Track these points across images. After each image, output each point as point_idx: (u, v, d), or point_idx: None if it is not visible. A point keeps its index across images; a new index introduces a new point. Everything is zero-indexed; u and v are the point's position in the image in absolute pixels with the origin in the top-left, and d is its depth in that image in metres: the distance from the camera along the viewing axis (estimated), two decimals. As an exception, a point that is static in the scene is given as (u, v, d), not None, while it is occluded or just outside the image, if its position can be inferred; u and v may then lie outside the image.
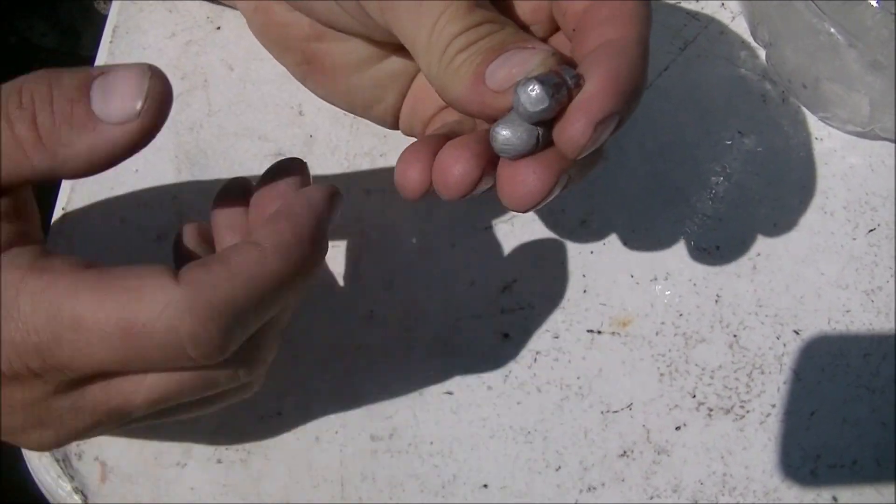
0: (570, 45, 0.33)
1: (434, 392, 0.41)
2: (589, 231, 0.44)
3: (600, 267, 0.44)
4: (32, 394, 0.29)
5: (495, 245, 0.43)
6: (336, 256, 0.43)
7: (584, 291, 0.43)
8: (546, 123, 0.30)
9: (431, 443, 0.40)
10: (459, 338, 0.42)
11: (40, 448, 0.31)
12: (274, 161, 0.36)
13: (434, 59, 0.31)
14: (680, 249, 0.44)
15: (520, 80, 0.29)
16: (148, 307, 0.27)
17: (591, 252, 0.44)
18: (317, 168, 0.44)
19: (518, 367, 0.42)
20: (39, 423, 0.30)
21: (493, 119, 0.31)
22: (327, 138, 0.45)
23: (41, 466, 0.39)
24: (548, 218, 0.44)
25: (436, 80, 0.32)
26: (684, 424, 0.41)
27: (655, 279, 0.43)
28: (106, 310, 0.27)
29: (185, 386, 0.30)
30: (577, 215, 0.44)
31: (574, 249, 0.44)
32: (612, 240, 0.44)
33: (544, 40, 0.36)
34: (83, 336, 0.27)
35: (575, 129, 0.29)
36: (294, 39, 0.38)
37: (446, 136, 0.33)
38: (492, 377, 0.42)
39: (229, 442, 0.40)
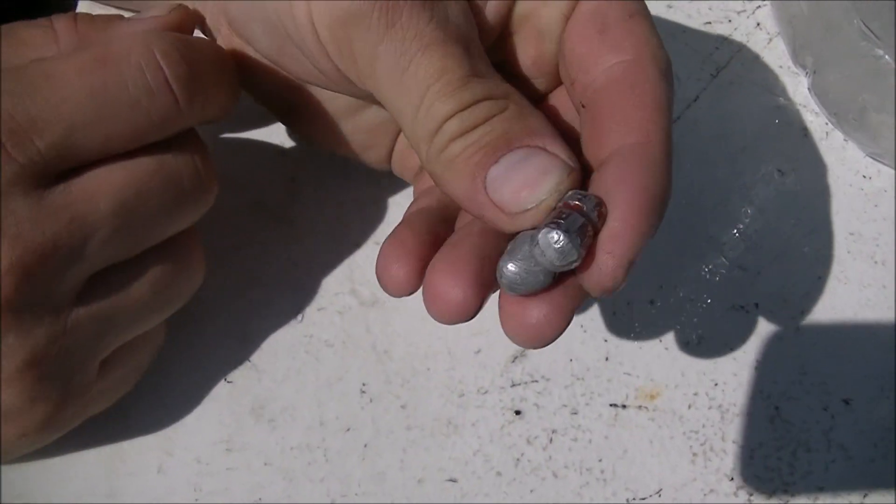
0: (578, 115, 0.32)
1: (435, 480, 0.40)
2: (610, 288, 0.43)
3: (624, 330, 0.42)
4: None
5: (504, 307, 0.42)
6: (322, 321, 0.41)
7: (606, 359, 0.42)
8: None
9: (435, 542, 0.39)
10: (464, 416, 0.41)
11: None
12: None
13: (422, 139, 0.30)
14: (714, 308, 0.43)
15: (535, 230, 0.28)
16: (118, 40, 0.31)
17: (614, 313, 0.42)
18: (300, 215, 0.42)
19: (531, 450, 0.41)
20: None
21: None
22: (312, 182, 0.43)
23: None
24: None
25: (426, 165, 0.31)
26: (722, 513, 0.40)
27: (687, 344, 0.42)
28: (78, 56, 0.30)
29: (147, 183, 0.32)
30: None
31: (594, 310, 0.43)
32: (637, 298, 0.43)
33: (545, 95, 0.36)
34: (56, 86, 0.29)
35: (605, 274, 0.28)
36: (274, 87, 0.37)
37: (434, 230, 0.33)
38: (501, 461, 0.40)
39: (200, 545, 0.38)
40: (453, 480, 0.40)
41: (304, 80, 0.35)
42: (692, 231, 0.44)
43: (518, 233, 0.30)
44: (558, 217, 0.28)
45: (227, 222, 0.42)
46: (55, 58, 0.31)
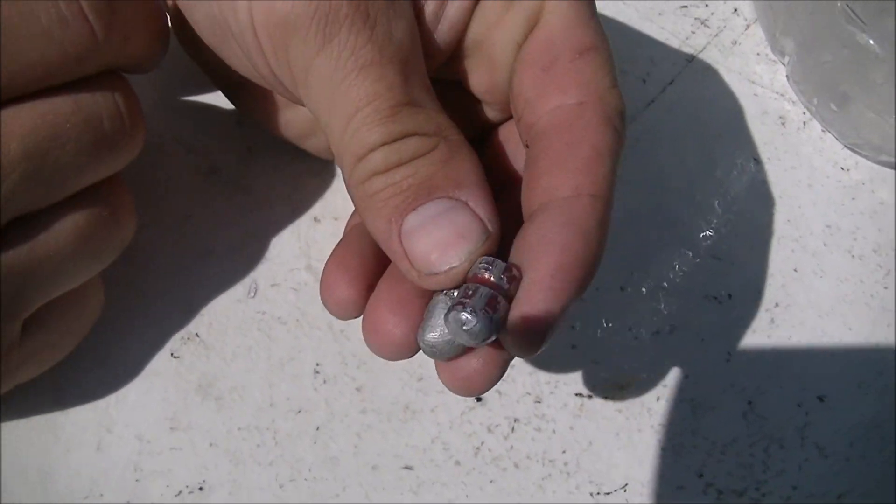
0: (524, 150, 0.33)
1: (390, 467, 0.40)
2: (579, 273, 0.44)
3: (592, 318, 0.43)
4: None
5: (468, 288, 0.43)
6: (276, 297, 0.42)
7: (573, 347, 0.42)
8: None
9: (389, 530, 0.39)
10: (423, 401, 0.41)
11: None
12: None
13: (346, 162, 0.31)
14: (686, 298, 0.44)
15: (449, 307, 0.29)
16: None
17: (582, 299, 0.43)
18: (256, 184, 0.43)
19: (492, 439, 0.41)
20: None
21: None
22: (269, 151, 0.44)
23: None
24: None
25: (348, 189, 0.31)
26: (690, 510, 0.41)
27: (658, 333, 0.43)
28: None
29: (63, 124, 0.31)
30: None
31: (561, 295, 0.43)
32: (606, 285, 0.43)
33: (498, 125, 0.37)
34: None
35: (524, 342, 0.28)
36: (217, 63, 0.37)
37: (376, 248, 0.33)
38: (461, 449, 0.41)
39: (138, 526, 0.38)
40: (409, 468, 0.40)
41: (242, 73, 0.35)
42: (664, 217, 0.45)
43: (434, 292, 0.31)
44: (465, 295, 0.28)
45: (180, 188, 0.42)
46: None
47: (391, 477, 0.40)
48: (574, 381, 0.42)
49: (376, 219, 0.30)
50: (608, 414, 0.42)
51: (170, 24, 0.38)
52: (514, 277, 0.29)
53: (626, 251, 0.44)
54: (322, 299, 0.33)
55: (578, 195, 0.29)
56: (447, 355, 0.30)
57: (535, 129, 0.32)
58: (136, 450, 0.39)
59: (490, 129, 0.37)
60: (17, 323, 0.34)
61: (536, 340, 0.28)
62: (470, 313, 0.28)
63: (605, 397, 0.42)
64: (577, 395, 0.42)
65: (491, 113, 0.36)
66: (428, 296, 0.31)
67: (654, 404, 0.42)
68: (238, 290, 0.42)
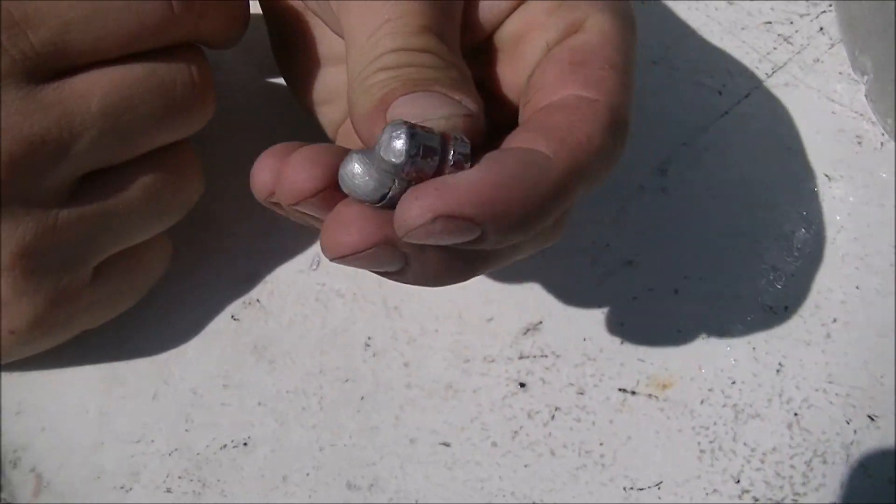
0: None
1: (428, 441, 0.44)
2: (634, 273, 0.47)
3: (643, 316, 0.46)
4: None
5: (522, 277, 0.46)
6: (336, 271, 0.46)
7: (621, 343, 0.46)
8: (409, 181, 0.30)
9: (417, 501, 0.43)
10: (467, 381, 0.45)
11: None
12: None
13: (358, 66, 0.34)
14: (740, 305, 0.47)
15: (392, 122, 0.30)
16: None
17: (634, 298, 0.47)
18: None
19: (531, 424, 0.45)
20: None
21: None
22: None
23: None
24: (588, 252, 0.47)
25: (349, 91, 0.34)
26: (722, 513, 0.44)
27: (707, 338, 0.46)
28: None
29: (138, 87, 0.37)
30: (622, 253, 0.47)
31: (614, 293, 0.47)
32: (661, 286, 0.47)
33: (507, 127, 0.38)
34: None
35: (413, 206, 0.29)
36: (279, 9, 0.42)
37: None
38: (499, 432, 0.44)
39: (183, 470, 0.43)
40: (446, 444, 0.44)
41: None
42: (729, 226, 0.48)
43: None
44: (421, 127, 0.30)
45: (251, 165, 0.47)
46: None
47: (427, 451, 0.44)
48: (619, 376, 0.45)
49: (367, 101, 0.32)
50: (649, 411, 0.45)
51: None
52: (460, 164, 0.30)
53: (681, 254, 0.47)
54: (251, 176, 0.34)
55: (552, 159, 0.31)
56: (355, 187, 0.30)
57: (542, 106, 0.34)
58: (189, 402, 0.44)
59: (497, 133, 0.38)
60: (88, 268, 0.39)
61: (419, 217, 0.29)
62: (408, 135, 0.29)
63: (648, 395, 0.45)
64: (620, 390, 0.45)
65: (504, 114, 0.38)
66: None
67: (697, 406, 0.45)
68: (301, 262, 0.47)
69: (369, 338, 0.45)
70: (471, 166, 0.30)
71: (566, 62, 0.35)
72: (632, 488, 0.44)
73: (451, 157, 0.30)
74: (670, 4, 0.53)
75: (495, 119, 0.37)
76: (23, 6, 0.34)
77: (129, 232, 0.40)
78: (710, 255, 0.47)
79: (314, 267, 0.46)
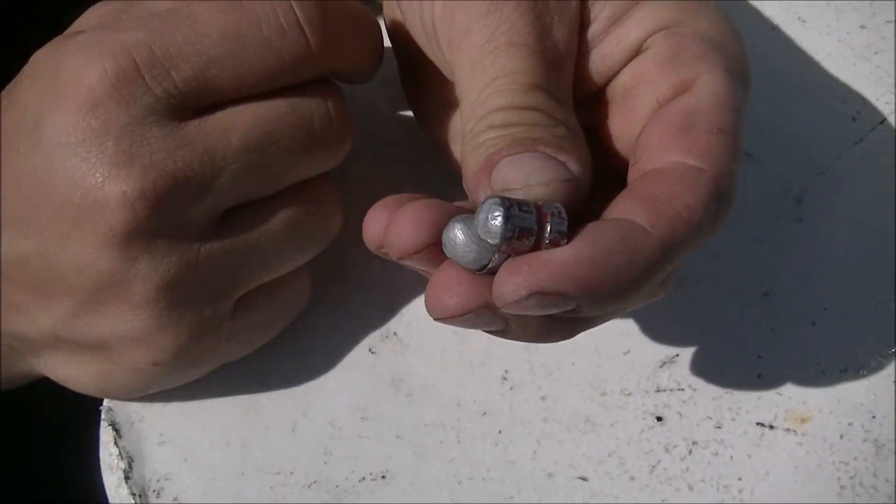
0: None
1: (566, 475, 0.46)
2: (772, 305, 0.49)
3: (780, 349, 0.48)
4: (129, 113, 0.36)
5: (658, 310, 0.47)
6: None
7: (759, 377, 0.48)
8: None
9: (557, 535, 0.45)
10: (604, 414, 0.47)
11: (123, 199, 0.37)
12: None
13: (470, 121, 0.36)
14: (883, 338, 0.48)
15: (490, 197, 0.31)
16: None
17: (772, 330, 0.48)
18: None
19: (669, 458, 0.46)
20: (129, 157, 0.36)
21: None
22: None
23: (117, 497, 0.45)
24: (724, 284, 0.48)
25: (462, 145, 0.36)
26: (864, 552, 0.45)
27: (846, 370, 0.47)
28: (220, 2, 0.38)
29: (278, 123, 0.39)
30: (759, 284, 0.49)
31: (752, 325, 0.48)
32: (799, 318, 0.48)
33: (613, 181, 0.39)
34: (196, 24, 0.37)
35: (508, 282, 0.31)
36: (408, 38, 0.43)
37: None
38: (636, 466, 0.46)
39: (322, 502, 0.45)
40: (584, 479, 0.46)
41: (414, 37, 0.42)
42: (864, 254, 0.49)
43: None
44: (519, 203, 0.31)
45: (387, 195, 0.50)
46: (201, 1, 0.38)
47: (565, 485, 0.46)
48: (756, 409, 0.47)
49: (476, 158, 0.34)
50: (788, 446, 0.46)
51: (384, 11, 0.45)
52: (556, 242, 0.32)
53: (819, 285, 0.49)
54: (363, 226, 0.36)
55: (650, 233, 0.32)
56: (459, 256, 0.33)
57: (646, 171, 0.35)
58: (328, 434, 0.46)
59: (604, 185, 0.39)
60: (230, 301, 0.41)
61: (515, 293, 0.31)
62: (504, 216, 0.30)
63: (787, 429, 0.47)
64: (758, 424, 0.47)
65: (611, 165, 0.40)
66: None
67: (836, 441, 0.46)
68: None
69: (506, 371, 0.47)
70: (567, 241, 0.32)
71: (674, 126, 0.36)
72: (770, 524, 0.45)
73: (547, 235, 0.32)
74: (802, 31, 0.54)
75: (605, 170, 0.39)
76: (167, 45, 0.37)
77: (271, 265, 0.42)
78: (848, 285, 0.49)
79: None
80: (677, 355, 0.48)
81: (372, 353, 0.48)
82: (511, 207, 0.31)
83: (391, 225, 0.34)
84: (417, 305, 0.49)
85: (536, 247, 0.32)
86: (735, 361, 0.48)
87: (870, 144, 0.51)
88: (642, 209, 0.33)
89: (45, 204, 0.38)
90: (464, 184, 0.37)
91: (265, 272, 0.43)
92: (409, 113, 0.51)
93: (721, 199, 0.34)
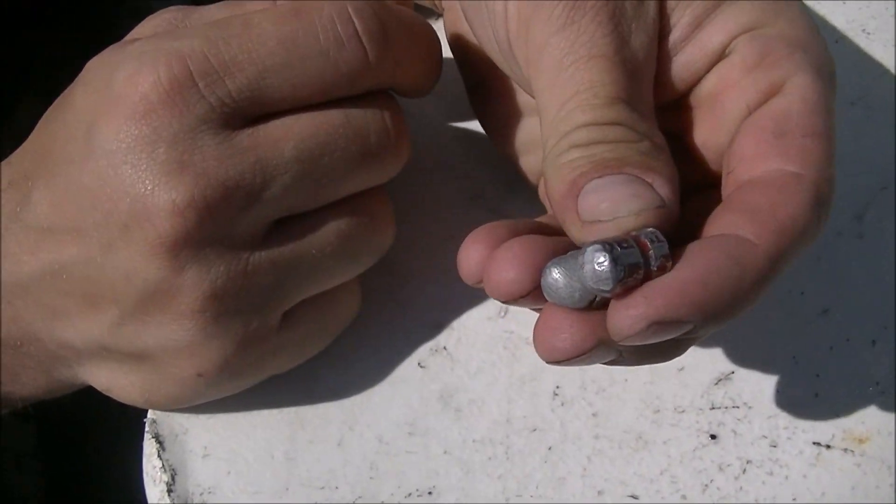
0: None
1: (617, 493, 0.47)
2: (831, 322, 0.50)
3: (839, 368, 0.49)
4: (182, 121, 0.38)
5: (713, 326, 0.50)
6: (525, 319, 0.50)
7: (816, 395, 0.49)
8: None
9: (607, 555, 0.47)
10: (657, 432, 0.48)
11: (173, 207, 0.38)
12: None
13: (551, 139, 0.37)
14: (942, 357, 0.49)
15: (589, 245, 0.32)
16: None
17: (831, 348, 0.50)
18: (519, 212, 0.52)
19: (722, 477, 0.48)
20: (180, 165, 0.38)
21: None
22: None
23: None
24: (782, 301, 0.50)
25: (543, 165, 0.37)
26: (921, 577, 0.46)
27: (906, 390, 0.49)
28: (277, 8, 0.39)
29: (332, 134, 0.40)
30: (818, 301, 0.50)
31: (809, 343, 0.50)
32: (858, 336, 0.50)
33: (701, 187, 0.41)
34: (252, 33, 0.39)
35: (625, 316, 0.32)
36: (476, 50, 0.45)
37: (528, 229, 0.38)
38: (689, 485, 0.47)
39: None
40: (635, 497, 0.47)
41: (486, 50, 0.43)
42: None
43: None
44: (618, 242, 0.32)
45: (444, 210, 0.52)
46: (257, 10, 0.40)
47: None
48: (813, 429, 0.48)
49: (561, 181, 0.35)
50: (845, 466, 0.48)
51: (445, 27, 0.47)
52: (664, 267, 0.33)
53: (880, 303, 0.50)
54: (458, 259, 0.38)
55: (756, 245, 0.33)
56: (560, 298, 0.34)
57: (744, 181, 0.36)
58: (374, 449, 0.48)
59: (693, 192, 0.41)
60: (277, 313, 0.43)
61: (636, 326, 0.32)
62: (611, 259, 0.31)
63: (844, 449, 0.48)
64: (814, 443, 0.48)
65: (699, 173, 0.41)
66: (559, 252, 0.35)
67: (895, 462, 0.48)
68: (489, 309, 0.51)
69: (558, 387, 0.49)
70: (672, 263, 0.33)
71: (768, 132, 0.37)
72: (826, 547, 0.47)
73: (653, 264, 0.33)
74: (866, 43, 0.56)
75: (694, 177, 0.41)
76: (222, 53, 0.38)
77: (320, 278, 0.44)
78: (905, 301, 0.50)
79: (502, 314, 0.50)
80: (733, 372, 0.49)
81: (421, 367, 0.50)
82: (613, 249, 0.32)
83: (492, 268, 0.36)
84: (467, 319, 0.50)
85: (646, 277, 0.33)
86: (792, 380, 0.49)
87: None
88: (746, 222, 0.34)
89: (95, 211, 0.39)
90: (540, 196, 0.39)
91: (314, 285, 0.44)
92: (465, 124, 0.53)
93: (821, 204, 0.35)
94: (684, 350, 0.39)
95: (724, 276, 0.33)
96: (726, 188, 0.38)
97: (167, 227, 0.38)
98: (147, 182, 0.38)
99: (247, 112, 0.39)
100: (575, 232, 0.35)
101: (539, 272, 0.35)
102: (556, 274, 0.34)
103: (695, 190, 0.40)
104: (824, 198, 0.35)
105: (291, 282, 0.43)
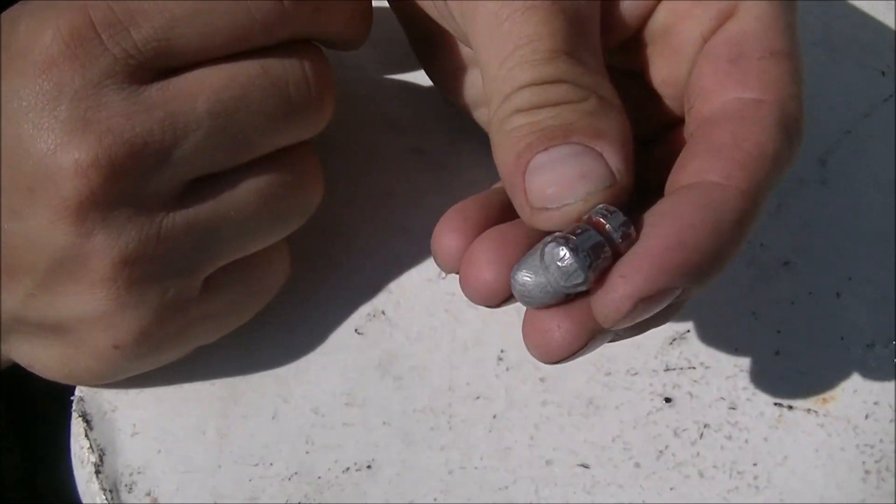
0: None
1: (566, 462, 0.46)
2: (793, 275, 0.48)
3: (801, 323, 0.48)
4: (85, 75, 0.36)
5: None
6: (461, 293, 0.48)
7: (777, 353, 0.47)
8: None
9: (555, 527, 0.45)
10: (608, 396, 0.47)
11: (76, 168, 0.36)
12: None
13: (494, 100, 0.36)
14: (912, 309, 0.47)
15: (545, 245, 0.32)
16: None
17: (792, 303, 0.48)
18: (463, 166, 0.50)
19: (678, 443, 0.46)
20: (84, 123, 0.36)
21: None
22: (476, 135, 0.50)
23: (88, 492, 0.45)
24: (740, 253, 0.48)
25: (488, 126, 0.36)
26: (889, 541, 0.45)
27: (872, 345, 0.47)
28: None
29: (248, 86, 0.38)
30: (779, 252, 0.48)
31: (770, 297, 0.48)
32: (821, 289, 0.48)
33: (671, 127, 0.40)
34: None
35: (610, 301, 0.31)
36: (414, 4, 0.43)
37: (509, 210, 0.37)
38: (643, 451, 0.46)
39: (304, 495, 0.45)
40: (585, 466, 0.46)
41: (427, 11, 0.41)
42: (893, 220, 0.49)
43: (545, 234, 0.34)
44: (573, 232, 0.31)
45: (383, 165, 0.50)
46: None
47: (565, 473, 0.46)
48: (774, 389, 0.47)
49: (507, 154, 0.34)
50: (808, 428, 0.46)
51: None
52: (628, 235, 0.32)
53: (844, 253, 0.49)
54: (431, 245, 0.37)
55: (726, 185, 0.33)
56: (537, 301, 0.33)
57: (704, 117, 0.35)
58: (310, 422, 0.47)
59: (663, 130, 0.41)
60: (197, 279, 0.42)
61: (624, 306, 0.31)
62: (570, 250, 0.31)
63: (807, 410, 0.46)
64: (776, 404, 0.47)
65: (665, 110, 0.40)
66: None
67: (862, 422, 0.46)
68: (430, 270, 0.49)
69: (503, 351, 0.48)
70: (636, 230, 0.32)
71: (723, 59, 0.36)
72: (789, 513, 0.45)
73: (616, 237, 0.32)
74: (830, -22, 0.54)
75: (657, 117, 0.40)
76: (125, 3, 0.37)
77: (242, 240, 0.42)
78: (875, 254, 0.48)
79: (443, 276, 0.48)
80: (688, 331, 0.48)
81: (358, 333, 0.48)
82: (568, 240, 0.31)
83: (469, 269, 0.35)
84: (407, 281, 0.49)
85: (615, 253, 0.32)
86: (751, 337, 0.48)
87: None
88: (711, 164, 0.33)
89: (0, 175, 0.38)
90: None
91: (236, 248, 0.42)
92: (403, 76, 0.51)
93: (790, 126, 0.34)
94: (680, 310, 0.37)
95: (700, 229, 0.32)
96: (689, 126, 0.37)
97: (70, 189, 0.37)
98: (49, 141, 0.37)
99: (155, 64, 0.37)
100: (525, 218, 0.35)
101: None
102: (523, 278, 0.33)
103: (664, 129, 0.40)
104: (792, 119, 0.35)
105: (211, 245, 0.41)
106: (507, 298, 0.34)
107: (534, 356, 0.34)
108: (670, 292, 0.32)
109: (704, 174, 0.33)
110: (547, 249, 0.31)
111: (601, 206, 0.33)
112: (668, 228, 0.32)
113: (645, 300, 0.31)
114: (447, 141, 0.50)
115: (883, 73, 0.51)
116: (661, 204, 0.33)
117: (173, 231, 0.39)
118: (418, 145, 0.51)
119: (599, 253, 0.31)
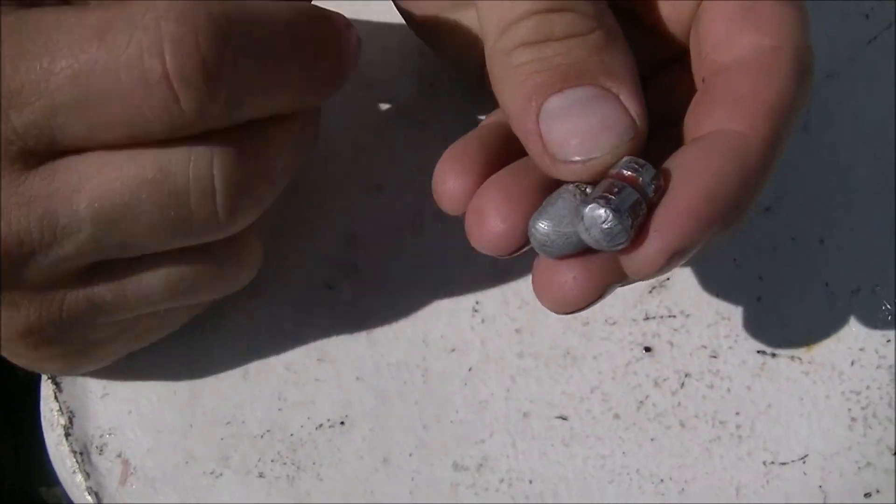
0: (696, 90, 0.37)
1: (543, 415, 0.46)
2: (774, 221, 0.48)
3: (784, 269, 0.47)
4: None
5: (643, 229, 0.48)
6: (440, 234, 0.48)
7: (759, 300, 0.47)
8: None
9: (531, 481, 0.45)
10: (586, 347, 0.47)
11: None
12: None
13: (493, 29, 0.35)
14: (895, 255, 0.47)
15: (586, 199, 0.32)
16: (131, 9, 0.32)
17: (774, 248, 0.48)
18: (434, 121, 0.50)
19: (658, 393, 0.46)
20: None
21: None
22: (451, 90, 0.50)
23: (58, 456, 0.45)
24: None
25: (488, 60, 0.35)
26: (877, 491, 0.44)
27: (858, 290, 0.47)
28: (87, 18, 0.32)
29: (136, 191, 0.34)
30: (760, 198, 0.48)
31: (751, 243, 0.48)
32: (804, 235, 0.48)
33: (660, 68, 0.40)
34: (48, 58, 0.32)
35: (645, 255, 0.32)
36: None
37: (507, 146, 0.37)
38: (622, 402, 0.46)
39: (276, 453, 0.45)
40: (563, 418, 0.46)
41: None
42: (877, 165, 0.49)
43: (560, 183, 0.34)
44: (609, 191, 0.31)
45: (354, 120, 0.50)
46: (68, 14, 0.33)
47: (542, 426, 0.46)
48: (757, 336, 0.46)
49: (515, 94, 0.33)
50: (792, 375, 0.46)
51: None
52: (660, 187, 0.32)
53: (827, 199, 0.48)
54: (433, 187, 0.36)
55: (750, 133, 0.33)
56: (558, 251, 0.33)
57: (718, 64, 0.35)
58: (283, 379, 0.47)
59: (654, 70, 0.40)
60: (107, 329, 0.41)
61: (660, 260, 0.31)
62: (613, 211, 0.31)
63: (791, 357, 0.46)
64: (758, 352, 0.46)
65: (665, 47, 0.40)
66: (546, 192, 0.34)
67: (847, 369, 0.46)
68: (402, 225, 0.49)
69: (477, 302, 0.47)
70: (664, 180, 0.33)
71: (735, 6, 0.36)
72: (773, 462, 0.45)
73: (649, 191, 0.32)
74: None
75: (659, 53, 0.40)
76: (12, 83, 0.33)
77: (150, 311, 0.41)
78: (859, 200, 0.48)
79: (416, 228, 0.48)
80: (668, 279, 0.48)
81: (329, 287, 0.48)
82: (609, 200, 0.31)
83: (480, 221, 0.35)
84: (379, 233, 0.49)
85: (649, 207, 0.32)
86: (733, 284, 0.48)
87: (884, 44, 0.50)
88: (734, 114, 0.34)
89: None
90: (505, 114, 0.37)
91: (145, 313, 0.41)
92: (372, 30, 0.51)
93: (804, 72, 0.35)
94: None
95: (727, 180, 0.32)
96: (700, 71, 0.37)
97: None
98: None
99: (41, 150, 0.34)
100: (544, 166, 0.34)
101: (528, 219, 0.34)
102: (544, 229, 0.33)
103: (663, 65, 0.40)
104: (805, 64, 0.35)
105: (118, 314, 0.40)
106: (520, 248, 0.34)
107: (545, 306, 0.35)
108: (699, 241, 0.32)
109: (727, 123, 0.33)
110: (587, 211, 0.31)
111: (627, 157, 0.33)
112: (697, 180, 0.32)
113: (678, 253, 0.32)
114: (418, 95, 0.50)
115: (867, 16, 0.50)
116: (686, 154, 0.34)
117: (76, 307, 0.38)
118: (389, 98, 0.50)
119: (638, 211, 0.32)
